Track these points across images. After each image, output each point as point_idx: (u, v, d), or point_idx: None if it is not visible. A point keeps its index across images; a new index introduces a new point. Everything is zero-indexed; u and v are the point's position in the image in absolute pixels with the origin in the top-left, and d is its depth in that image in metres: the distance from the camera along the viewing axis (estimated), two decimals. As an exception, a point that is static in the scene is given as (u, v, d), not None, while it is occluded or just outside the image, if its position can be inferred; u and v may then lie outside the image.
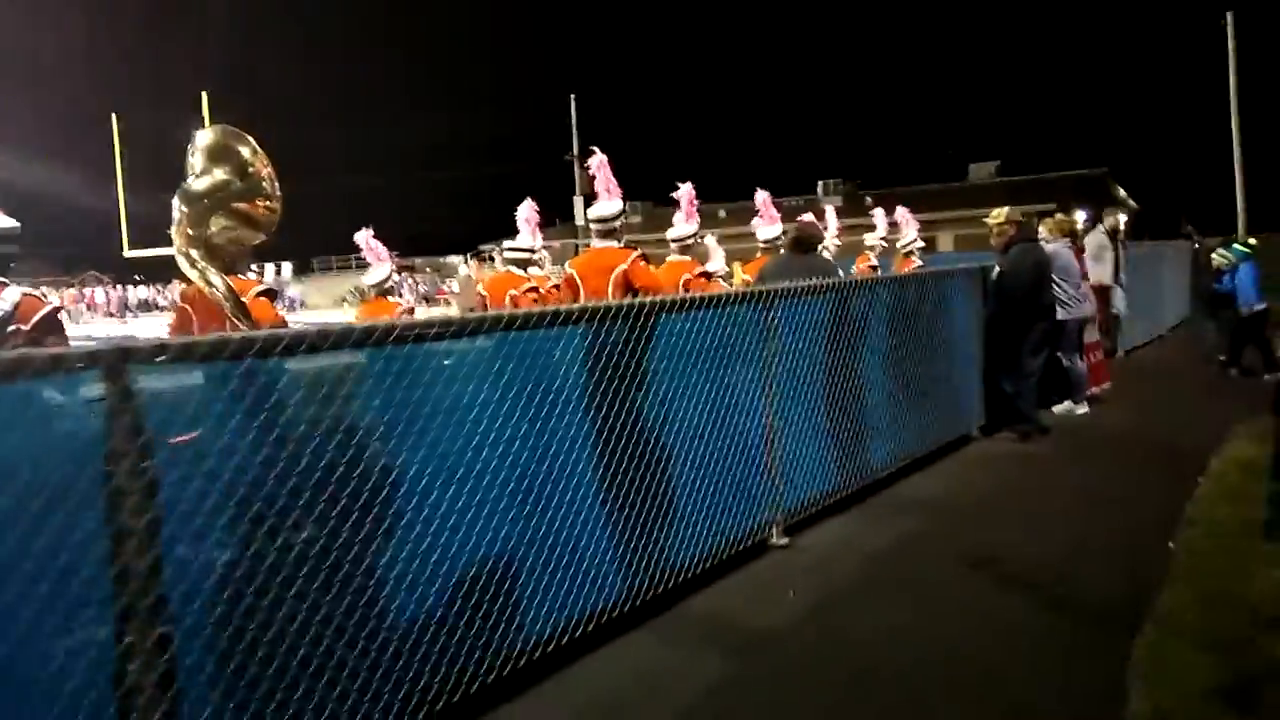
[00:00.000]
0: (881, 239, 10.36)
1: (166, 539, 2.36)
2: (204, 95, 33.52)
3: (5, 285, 3.68)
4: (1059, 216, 8.64)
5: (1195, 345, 12.67)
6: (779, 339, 5.07)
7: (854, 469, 5.77)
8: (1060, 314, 8.25)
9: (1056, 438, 7.44)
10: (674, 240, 7.27)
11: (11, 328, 3.54)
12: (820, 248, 7.56)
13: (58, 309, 3.82)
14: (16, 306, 3.63)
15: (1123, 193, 47.71)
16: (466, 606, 3.22)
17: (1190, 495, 5.58)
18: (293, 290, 48.87)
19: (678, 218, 7.39)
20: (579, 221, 42.86)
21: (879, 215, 10.61)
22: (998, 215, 7.44)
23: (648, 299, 4.32)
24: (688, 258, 7.27)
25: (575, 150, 44.41)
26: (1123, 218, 12.07)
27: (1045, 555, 4.75)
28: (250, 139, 3.45)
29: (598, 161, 6.00)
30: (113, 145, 34.85)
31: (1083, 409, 8.38)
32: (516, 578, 3.47)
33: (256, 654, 2.56)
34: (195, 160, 3.37)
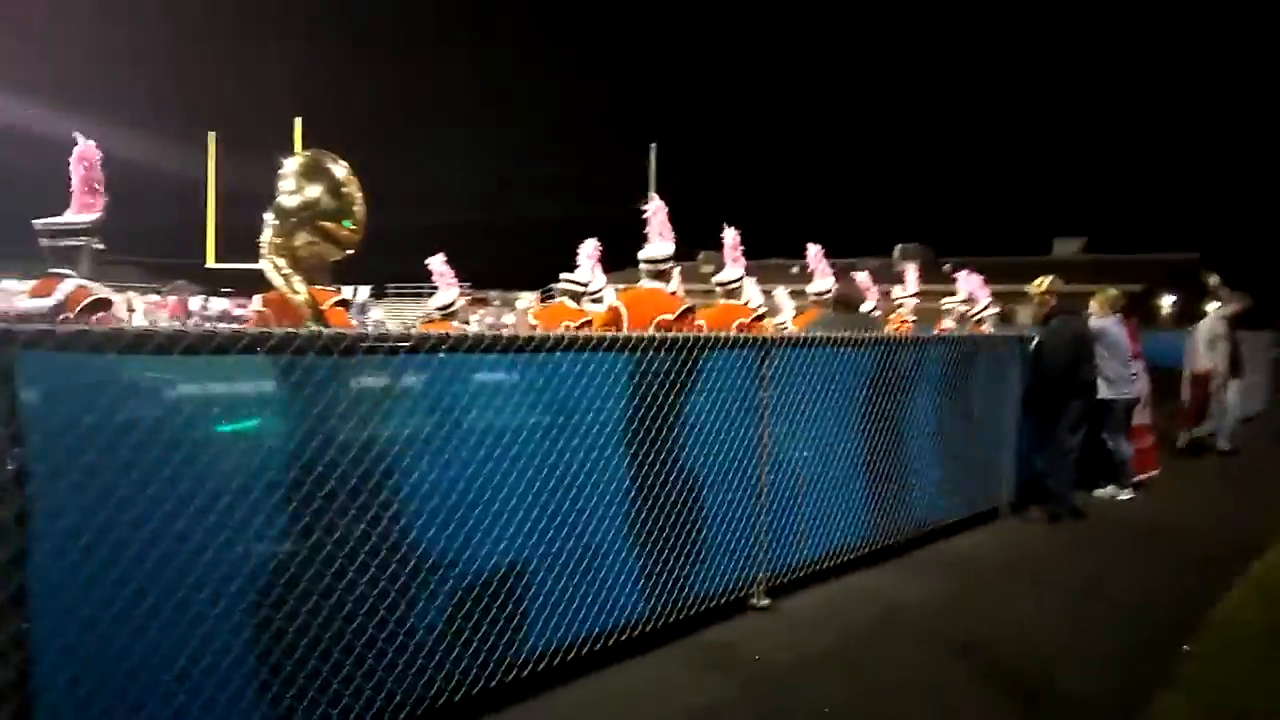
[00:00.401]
0: (962, 303, 9.96)
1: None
2: (298, 120, 35.00)
3: (67, 277, 4.14)
4: (1110, 292, 8.20)
5: (1269, 438, 11.93)
6: (777, 389, 4.86)
7: (863, 532, 5.53)
8: (1106, 392, 7.83)
9: (1089, 522, 6.99)
10: (719, 284, 7.28)
11: (61, 316, 3.95)
12: (871, 308, 7.84)
13: (105, 300, 4.16)
14: (68, 296, 4.07)
15: (1216, 278, 45.83)
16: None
17: (1221, 596, 5.13)
18: (375, 312, 50.12)
19: (726, 263, 7.31)
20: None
21: (961, 278, 10.23)
22: (1039, 284, 7.10)
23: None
24: (737, 301, 7.22)
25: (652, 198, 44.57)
26: (1239, 305, 11.42)
27: (1038, 649, 4.39)
28: (343, 163, 3.66)
29: (654, 207, 6.14)
30: (206, 161, 36.65)
31: (1126, 494, 7.89)
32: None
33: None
34: (290, 178, 3.57)
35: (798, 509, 5.04)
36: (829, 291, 7.98)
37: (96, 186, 4.24)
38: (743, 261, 7.33)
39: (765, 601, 4.78)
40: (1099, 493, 7.98)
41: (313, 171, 3.59)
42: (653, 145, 44.75)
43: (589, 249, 7.52)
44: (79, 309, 4.01)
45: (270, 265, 3.46)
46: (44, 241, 4.19)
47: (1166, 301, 43.86)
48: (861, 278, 8.81)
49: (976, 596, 5.20)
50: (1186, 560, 6.01)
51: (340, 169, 3.62)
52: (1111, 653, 4.33)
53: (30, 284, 4.30)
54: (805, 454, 5.11)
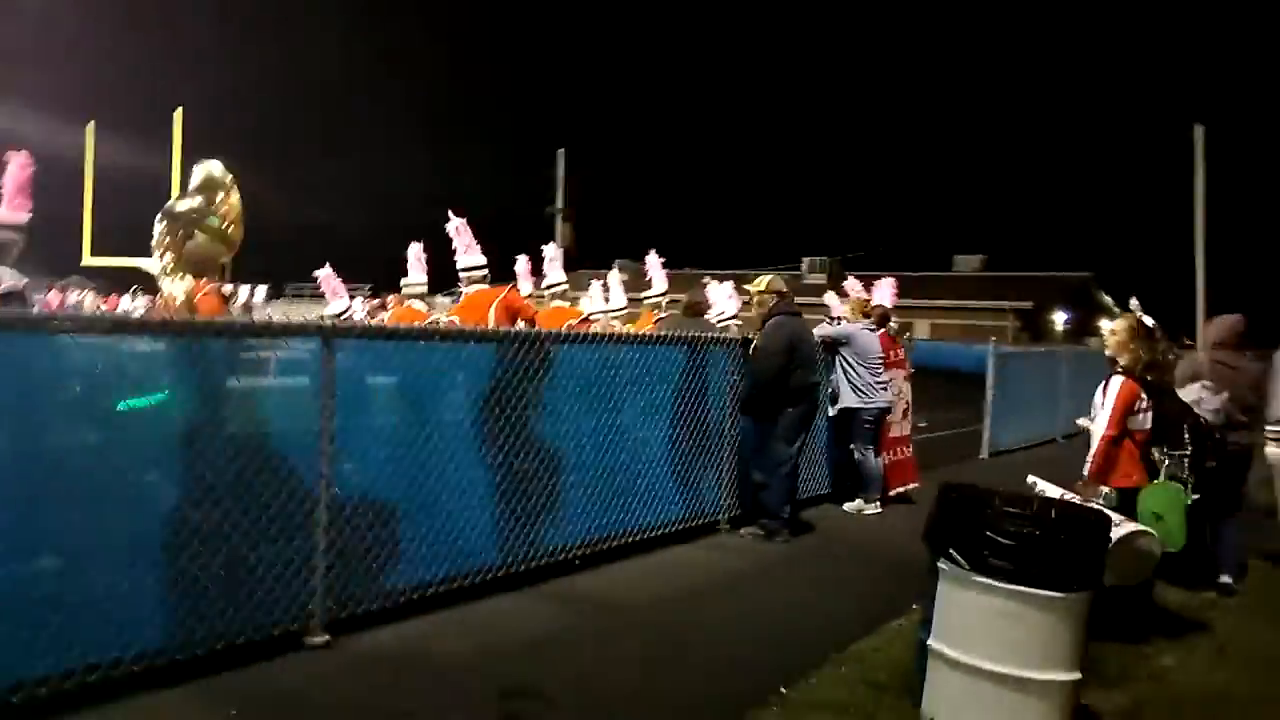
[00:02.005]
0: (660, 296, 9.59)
1: None
2: (177, 113, 33.42)
3: None
4: (860, 297, 7.87)
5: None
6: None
7: (510, 549, 4.99)
8: (852, 401, 7.47)
9: (809, 540, 6.56)
10: (548, 288, 8.38)
11: None
12: (722, 314, 8.18)
13: (19, 289, 4.29)
14: None
15: (1108, 299, 47.09)
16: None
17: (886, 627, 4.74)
18: (269, 312, 48.70)
19: (551, 268, 8.43)
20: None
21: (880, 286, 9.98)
22: (758, 283, 6.65)
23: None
24: (565, 304, 8.39)
25: (560, 204, 44.25)
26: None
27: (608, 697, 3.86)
28: (228, 174, 4.49)
29: (456, 225, 6.61)
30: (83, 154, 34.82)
31: (873, 508, 7.51)
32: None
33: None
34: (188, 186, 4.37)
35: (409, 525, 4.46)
36: (664, 295, 8.64)
37: (29, 190, 4.55)
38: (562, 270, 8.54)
39: (322, 638, 4.18)
40: (848, 506, 7.60)
41: (203, 182, 4.44)
42: (560, 151, 44.26)
43: (417, 251, 8.11)
44: None
45: (159, 266, 4.20)
46: None
47: (1059, 318, 44.78)
48: (720, 288, 8.51)
49: (601, 633, 4.65)
50: (881, 590, 5.56)
51: (226, 179, 4.46)
52: (678, 703, 3.84)
53: None
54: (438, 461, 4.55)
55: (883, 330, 8.06)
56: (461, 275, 6.66)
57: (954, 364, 21.05)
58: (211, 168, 4.50)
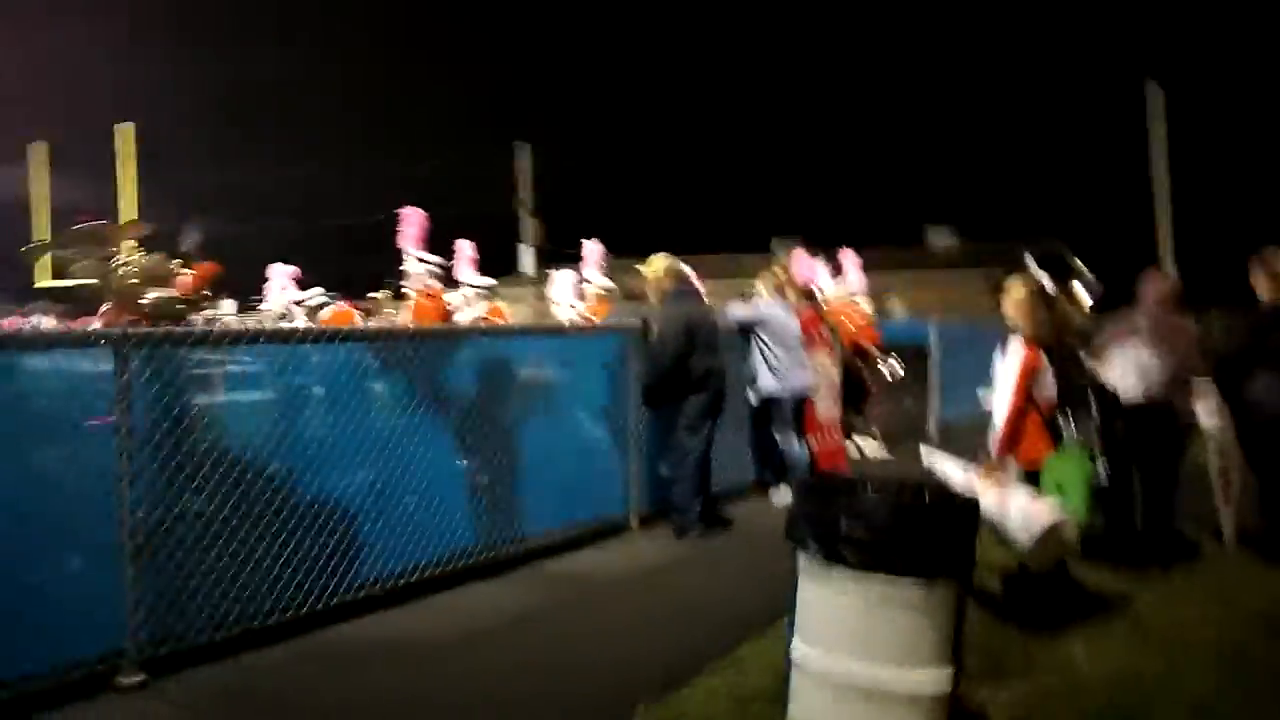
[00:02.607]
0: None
1: None
2: (119, 128, 32.67)
3: None
4: (776, 270, 7.51)
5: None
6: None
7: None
8: (771, 385, 7.11)
9: (725, 535, 6.21)
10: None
11: None
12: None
13: None
14: None
15: (1081, 264, 46.83)
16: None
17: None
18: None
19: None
20: (527, 271, 42.20)
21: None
22: (653, 266, 6.28)
23: None
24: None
25: (525, 199, 43.86)
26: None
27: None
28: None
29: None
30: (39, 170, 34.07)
31: (796, 498, 7.16)
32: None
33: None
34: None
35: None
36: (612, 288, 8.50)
37: None
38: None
39: (136, 678, 3.81)
40: (775, 496, 7.26)
41: None
42: (525, 145, 43.74)
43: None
44: None
45: None
46: None
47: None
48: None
49: (453, 657, 4.29)
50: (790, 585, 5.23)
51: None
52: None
53: None
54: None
55: (808, 308, 7.72)
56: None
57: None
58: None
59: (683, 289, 6.20)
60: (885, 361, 9.69)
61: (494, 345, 5.52)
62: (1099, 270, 11.82)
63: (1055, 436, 4.74)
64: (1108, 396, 4.87)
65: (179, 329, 4.13)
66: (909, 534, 3.15)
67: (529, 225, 44.53)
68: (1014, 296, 4.94)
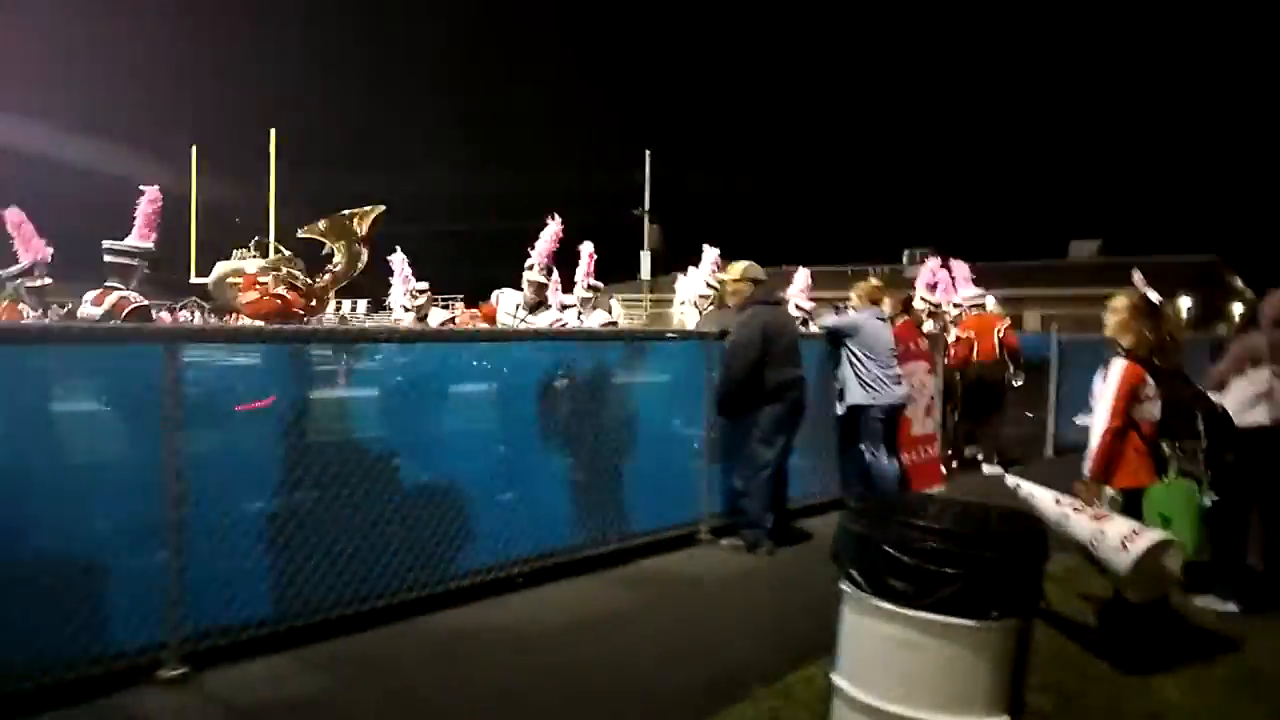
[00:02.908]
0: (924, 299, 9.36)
1: None
2: (272, 132, 34.56)
3: (113, 290, 4.93)
4: (871, 282, 7.15)
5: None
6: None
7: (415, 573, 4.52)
8: (861, 398, 6.79)
9: (797, 552, 5.92)
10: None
11: (111, 322, 4.70)
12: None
13: (145, 305, 5.07)
14: (114, 306, 4.86)
15: (1239, 282, 43.62)
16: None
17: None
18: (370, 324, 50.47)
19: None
20: (644, 276, 42.40)
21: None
22: (732, 271, 6.06)
23: None
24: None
25: (647, 206, 44.08)
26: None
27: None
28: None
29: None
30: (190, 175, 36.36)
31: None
32: None
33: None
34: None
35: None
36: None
37: (155, 222, 5.32)
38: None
39: (179, 670, 3.87)
40: (860, 512, 6.92)
41: None
42: (647, 152, 43.96)
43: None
44: (124, 315, 4.81)
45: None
46: (107, 258, 5.03)
47: (1184, 305, 41.60)
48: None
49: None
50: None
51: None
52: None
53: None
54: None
55: (905, 319, 7.35)
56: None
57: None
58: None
59: (762, 296, 5.96)
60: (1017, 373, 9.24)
61: (575, 350, 5.43)
62: (1261, 286, 10.88)
63: (1159, 463, 4.31)
64: (1218, 420, 4.38)
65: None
66: (961, 565, 2.86)
67: (650, 231, 44.74)
68: (1115, 309, 4.52)
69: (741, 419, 5.86)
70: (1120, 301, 4.55)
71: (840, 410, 6.97)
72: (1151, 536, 3.96)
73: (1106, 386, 4.36)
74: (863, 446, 6.86)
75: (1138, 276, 5.50)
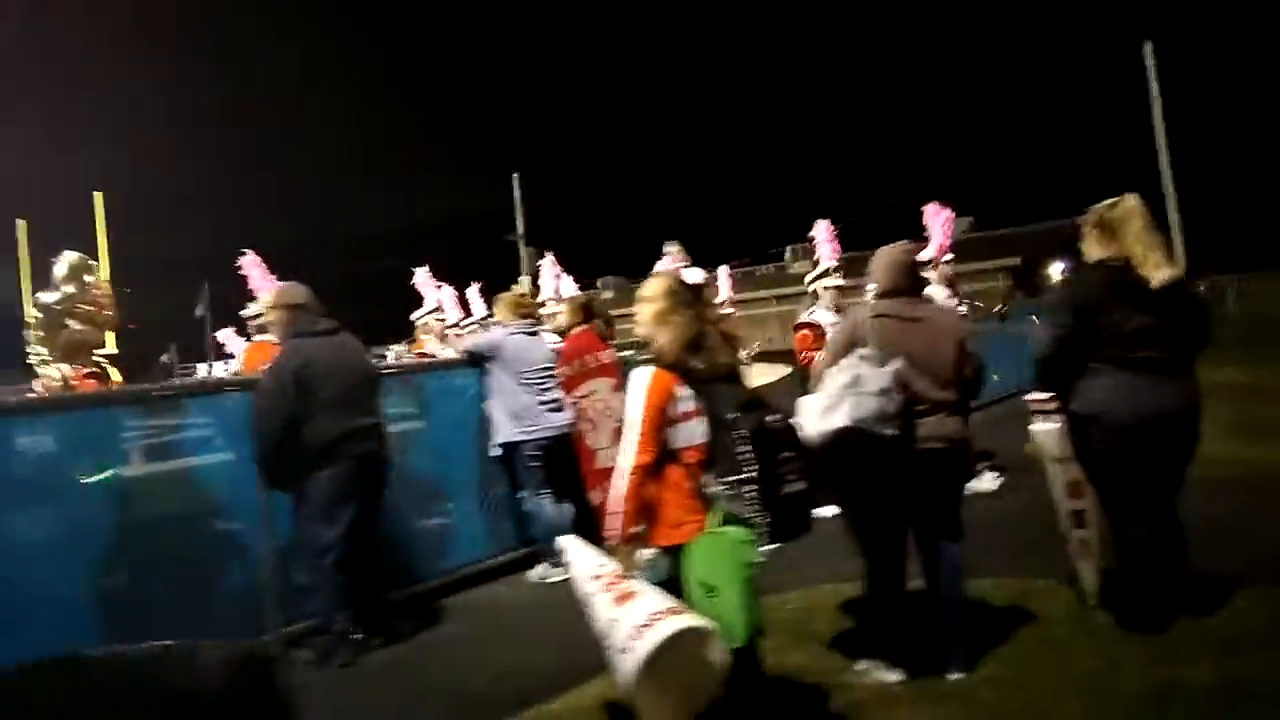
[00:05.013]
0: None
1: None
2: (98, 196, 32.13)
3: None
4: (515, 291, 5.87)
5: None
6: None
7: None
8: (509, 432, 5.49)
9: (393, 656, 4.52)
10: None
11: None
12: None
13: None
14: None
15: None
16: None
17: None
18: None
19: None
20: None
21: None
22: (265, 303, 4.69)
23: None
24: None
25: (520, 231, 42.92)
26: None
27: None
28: (92, 263, 4.84)
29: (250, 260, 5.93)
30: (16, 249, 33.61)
31: (559, 574, 5.45)
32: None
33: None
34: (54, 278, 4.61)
35: None
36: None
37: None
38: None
39: None
40: (531, 574, 5.59)
41: (68, 274, 4.60)
42: (515, 175, 42.53)
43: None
44: None
45: (34, 353, 4.51)
46: None
47: (1056, 270, 41.55)
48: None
49: None
50: None
51: (88, 264, 4.75)
52: None
53: None
54: None
55: (583, 328, 6.05)
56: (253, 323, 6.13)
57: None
58: (70, 257, 4.66)
59: (305, 325, 4.54)
60: None
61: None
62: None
63: (705, 502, 3.05)
64: (772, 434, 3.12)
65: None
66: None
67: (526, 255, 43.38)
68: (650, 298, 3.26)
69: (288, 492, 4.44)
70: (655, 287, 3.29)
71: (494, 451, 5.63)
72: (666, 628, 2.71)
73: (629, 406, 3.10)
74: (523, 493, 5.55)
75: (672, 248, 4.31)
